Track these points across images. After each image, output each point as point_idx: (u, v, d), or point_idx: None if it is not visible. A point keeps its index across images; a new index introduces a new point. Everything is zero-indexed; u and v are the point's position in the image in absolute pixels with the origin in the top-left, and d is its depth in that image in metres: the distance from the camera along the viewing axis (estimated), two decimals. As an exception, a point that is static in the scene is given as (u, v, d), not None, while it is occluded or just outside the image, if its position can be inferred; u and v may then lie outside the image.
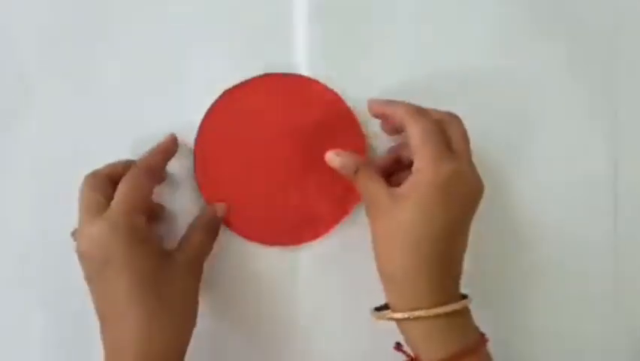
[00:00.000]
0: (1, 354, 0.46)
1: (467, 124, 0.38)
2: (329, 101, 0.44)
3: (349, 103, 0.44)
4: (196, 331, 0.40)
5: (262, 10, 0.45)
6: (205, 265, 0.42)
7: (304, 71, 0.45)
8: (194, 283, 0.41)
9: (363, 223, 0.40)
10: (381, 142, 0.45)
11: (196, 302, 0.41)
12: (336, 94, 0.44)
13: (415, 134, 0.38)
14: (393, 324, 0.39)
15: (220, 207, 0.44)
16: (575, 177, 0.45)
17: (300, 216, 0.44)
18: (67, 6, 0.45)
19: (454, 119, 0.40)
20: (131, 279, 0.37)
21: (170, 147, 0.43)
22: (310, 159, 0.44)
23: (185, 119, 0.44)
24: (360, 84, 0.44)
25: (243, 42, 0.45)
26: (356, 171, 0.40)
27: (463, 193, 0.38)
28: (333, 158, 0.41)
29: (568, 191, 0.45)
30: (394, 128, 0.43)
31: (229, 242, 0.45)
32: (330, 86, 0.44)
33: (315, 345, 0.45)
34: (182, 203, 0.45)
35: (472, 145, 0.38)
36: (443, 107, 0.39)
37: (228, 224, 0.44)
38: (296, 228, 0.45)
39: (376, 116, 0.42)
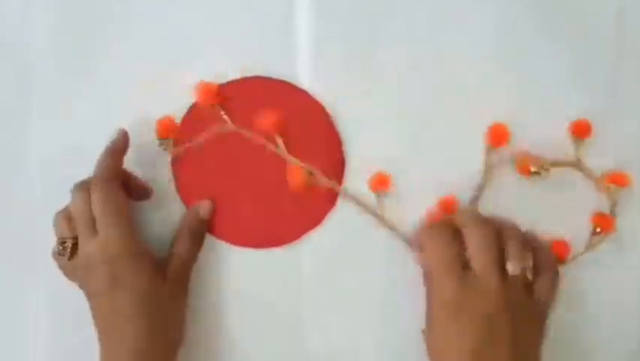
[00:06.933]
0: (4, 354, 0.46)
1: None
2: (314, 114, 0.44)
3: (349, 104, 0.45)
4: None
5: (263, 11, 0.45)
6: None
7: (304, 73, 0.45)
8: (184, 295, 0.43)
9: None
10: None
11: (184, 313, 0.43)
12: (322, 107, 0.44)
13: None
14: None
15: (204, 207, 0.44)
16: (575, 177, 0.46)
17: (271, 220, 0.44)
18: (68, 7, 0.45)
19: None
20: (132, 297, 0.39)
21: (120, 146, 0.43)
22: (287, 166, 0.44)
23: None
24: (360, 85, 0.45)
25: (243, 43, 0.45)
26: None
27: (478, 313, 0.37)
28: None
29: (567, 190, 0.46)
30: None
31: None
32: (330, 87, 0.45)
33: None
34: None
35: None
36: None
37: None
38: (267, 231, 0.45)
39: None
